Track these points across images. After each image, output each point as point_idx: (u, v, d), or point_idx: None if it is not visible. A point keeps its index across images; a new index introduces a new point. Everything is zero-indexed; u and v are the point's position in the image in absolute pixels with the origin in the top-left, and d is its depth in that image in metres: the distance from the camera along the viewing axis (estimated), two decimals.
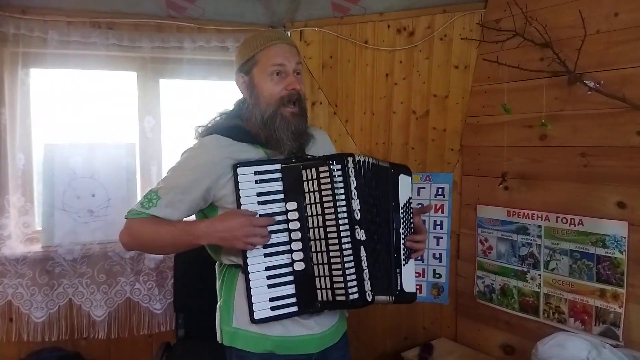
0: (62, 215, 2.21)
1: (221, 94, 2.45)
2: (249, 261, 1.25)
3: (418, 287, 2.30)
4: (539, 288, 2.10)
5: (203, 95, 2.46)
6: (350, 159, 1.25)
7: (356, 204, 1.24)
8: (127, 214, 1.33)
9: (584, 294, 1.93)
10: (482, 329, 2.33)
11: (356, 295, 1.22)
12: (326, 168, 1.24)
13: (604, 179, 1.87)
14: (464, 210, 2.40)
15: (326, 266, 1.24)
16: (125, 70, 2.34)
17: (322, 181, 1.24)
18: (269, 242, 1.26)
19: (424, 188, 2.46)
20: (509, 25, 2.13)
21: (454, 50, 2.34)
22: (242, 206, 1.25)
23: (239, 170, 1.25)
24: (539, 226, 2.09)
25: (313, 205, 1.26)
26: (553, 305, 2.04)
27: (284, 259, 1.28)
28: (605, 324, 1.87)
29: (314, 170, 1.25)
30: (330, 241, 1.24)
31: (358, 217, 1.24)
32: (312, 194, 1.26)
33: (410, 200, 1.46)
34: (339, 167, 1.24)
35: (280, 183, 1.28)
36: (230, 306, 1.34)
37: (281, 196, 1.28)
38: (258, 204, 1.26)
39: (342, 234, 1.22)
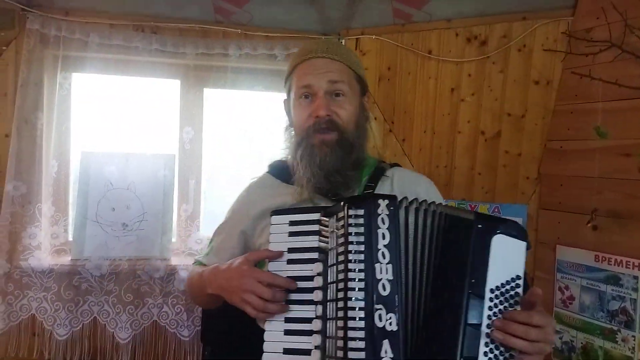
0: (94, 227, 2.10)
1: (267, 105, 2.27)
2: (265, 335, 0.96)
3: None
4: (632, 353, 1.71)
5: (248, 106, 2.28)
6: (383, 202, 0.87)
7: (385, 271, 0.84)
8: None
9: None
10: None
11: None
12: (342, 214, 0.89)
13: None
14: (540, 249, 2.05)
15: None
16: (168, 78, 2.22)
17: (340, 233, 0.89)
18: (294, 316, 0.95)
19: None
20: (603, 35, 1.80)
21: (535, 62, 2.02)
22: (269, 264, 1.01)
23: (273, 219, 1.02)
24: (635, 277, 1.71)
25: (332, 269, 0.90)
26: None
27: (305, 342, 0.93)
28: None
29: (334, 218, 0.92)
30: (338, 323, 0.86)
31: (385, 293, 0.83)
32: (332, 252, 0.91)
33: (517, 282, 0.88)
34: (360, 212, 0.87)
35: (316, 238, 0.97)
36: None
37: (315, 255, 0.96)
38: (287, 263, 0.98)
39: (350, 313, 0.83)
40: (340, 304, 0.86)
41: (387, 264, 0.84)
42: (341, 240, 0.88)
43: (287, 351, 0.93)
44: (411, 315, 0.87)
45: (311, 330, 0.92)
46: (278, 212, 1.02)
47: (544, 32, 2.00)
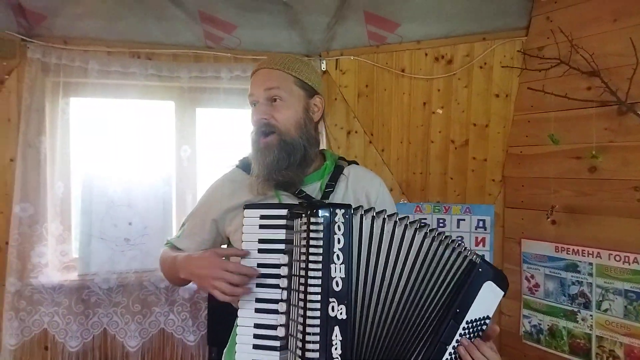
0: (99, 243, 2.22)
1: None
2: (239, 312, 1.12)
3: None
4: (590, 330, 1.96)
5: (239, 123, 2.44)
6: (340, 211, 1.02)
7: (338, 270, 1.01)
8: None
9: None
10: None
11: None
12: (305, 220, 1.03)
13: None
14: (507, 244, 2.30)
15: (298, 342, 1.03)
16: (163, 100, 2.36)
17: (302, 235, 1.04)
18: (263, 297, 1.10)
19: (463, 220, 2.36)
20: (552, 53, 2.06)
21: (494, 78, 2.27)
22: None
23: (245, 212, 1.15)
24: (590, 264, 1.96)
25: (297, 263, 1.06)
26: (607, 349, 1.91)
27: (272, 319, 1.09)
28: None
29: (299, 220, 1.07)
30: (299, 310, 1.03)
31: (338, 288, 1.01)
32: (298, 249, 1.06)
33: (486, 321, 1.10)
34: (320, 220, 1.01)
35: (284, 231, 1.11)
36: (231, 355, 1.22)
37: (282, 246, 1.11)
38: (258, 252, 1.13)
39: (309, 305, 1.01)
40: (302, 295, 1.02)
41: (340, 264, 1.01)
42: (304, 242, 1.03)
43: (257, 326, 1.10)
44: (367, 308, 1.03)
45: (277, 310, 1.08)
46: (250, 206, 1.15)
47: (501, 51, 2.25)
